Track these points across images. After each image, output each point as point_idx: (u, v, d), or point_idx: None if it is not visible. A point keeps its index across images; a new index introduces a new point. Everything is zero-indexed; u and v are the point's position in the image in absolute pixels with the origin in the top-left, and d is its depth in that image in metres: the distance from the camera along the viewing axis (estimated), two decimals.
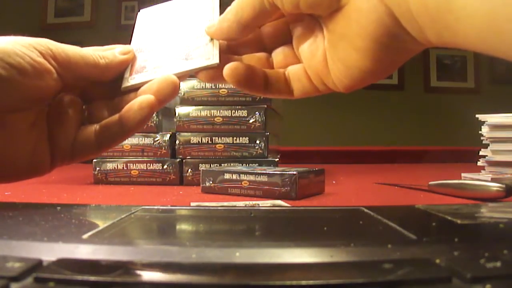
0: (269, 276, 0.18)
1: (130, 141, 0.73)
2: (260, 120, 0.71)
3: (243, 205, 0.49)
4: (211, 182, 0.61)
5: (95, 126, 0.34)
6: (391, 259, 0.20)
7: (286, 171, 0.56)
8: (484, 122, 0.74)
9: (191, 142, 0.73)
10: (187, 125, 0.73)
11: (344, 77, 0.29)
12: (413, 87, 2.81)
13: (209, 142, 0.72)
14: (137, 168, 0.72)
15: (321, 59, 0.30)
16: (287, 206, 0.49)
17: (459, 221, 0.28)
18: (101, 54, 0.34)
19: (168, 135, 0.73)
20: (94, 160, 0.73)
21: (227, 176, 0.59)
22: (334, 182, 0.76)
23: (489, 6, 0.20)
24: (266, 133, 0.71)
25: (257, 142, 0.71)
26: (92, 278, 0.17)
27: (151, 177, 0.72)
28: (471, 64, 2.84)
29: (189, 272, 0.19)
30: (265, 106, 0.72)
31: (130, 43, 0.38)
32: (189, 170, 0.72)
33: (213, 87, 0.73)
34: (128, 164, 0.72)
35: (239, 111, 0.72)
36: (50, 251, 0.21)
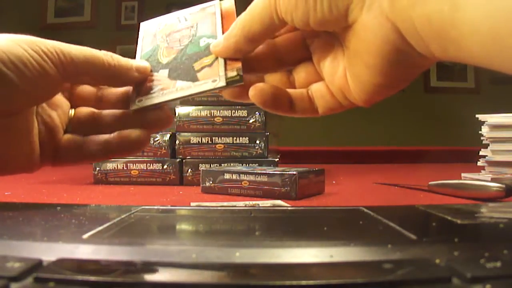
0: (269, 276, 0.18)
1: None
2: (260, 120, 0.71)
3: (243, 205, 0.49)
4: (211, 182, 0.61)
5: (81, 138, 0.35)
6: (391, 259, 0.20)
7: (286, 171, 0.56)
8: (484, 122, 0.74)
9: (191, 142, 0.73)
10: (187, 125, 0.73)
11: (361, 91, 0.30)
12: (413, 87, 2.79)
13: (209, 142, 0.72)
14: (137, 168, 0.72)
15: (342, 75, 0.31)
16: (287, 206, 0.49)
17: (459, 221, 0.28)
18: (116, 59, 0.34)
19: (168, 135, 0.73)
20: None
21: (227, 176, 0.59)
22: (334, 182, 0.76)
23: (492, 22, 0.20)
24: (266, 133, 0.71)
25: (257, 142, 0.71)
26: (92, 278, 0.17)
27: (151, 177, 0.72)
28: None
29: (189, 272, 0.19)
30: None
31: (135, 55, 0.38)
32: (189, 170, 0.72)
33: None
34: (128, 164, 0.72)
35: (239, 111, 0.72)
36: (50, 251, 0.21)
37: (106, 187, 0.70)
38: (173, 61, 0.36)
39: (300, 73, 0.33)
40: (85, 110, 0.37)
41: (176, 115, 0.73)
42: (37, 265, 0.19)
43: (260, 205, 0.49)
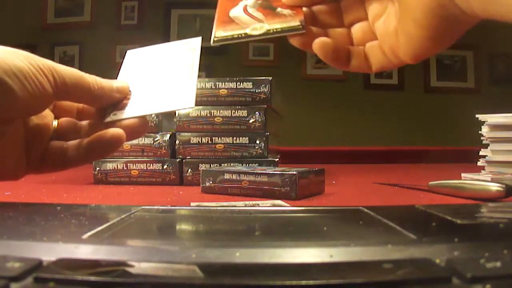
0: (269, 276, 0.18)
1: (130, 141, 0.73)
2: (260, 120, 0.71)
3: (243, 205, 0.49)
4: (211, 182, 0.61)
5: (64, 144, 0.38)
6: (391, 259, 0.20)
7: (286, 171, 0.56)
8: (484, 122, 0.74)
9: (191, 142, 0.73)
10: (187, 125, 0.73)
11: (409, 46, 0.32)
12: (413, 87, 2.81)
13: (209, 142, 0.72)
14: (137, 168, 0.72)
15: (392, 34, 0.33)
16: (287, 206, 0.49)
17: (459, 221, 0.28)
18: (99, 83, 0.37)
19: (168, 135, 0.73)
20: (93, 161, 0.73)
21: (227, 176, 0.59)
22: (334, 182, 0.76)
23: None
24: (266, 133, 0.71)
25: (257, 142, 0.71)
26: (92, 278, 0.17)
27: (151, 177, 0.72)
28: (471, 64, 2.84)
29: (189, 272, 0.19)
30: (265, 106, 0.72)
31: (117, 76, 0.42)
32: (189, 170, 0.72)
33: (213, 87, 0.73)
34: (128, 164, 0.72)
35: (239, 111, 0.72)
36: (50, 251, 0.21)
37: (106, 187, 0.70)
38: (152, 84, 0.40)
39: (358, 31, 0.37)
40: (67, 120, 0.40)
41: (176, 115, 0.73)
42: (37, 265, 0.19)
43: (260, 205, 0.49)
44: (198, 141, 0.72)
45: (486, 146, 0.75)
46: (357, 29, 0.37)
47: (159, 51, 0.44)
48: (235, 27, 0.36)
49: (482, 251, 0.20)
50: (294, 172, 0.55)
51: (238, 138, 0.72)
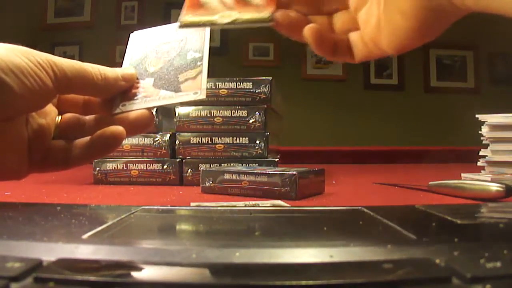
0: (269, 276, 0.18)
1: (130, 141, 0.73)
2: (260, 120, 0.71)
3: (243, 205, 0.49)
4: (211, 182, 0.61)
5: (66, 143, 0.37)
6: (391, 259, 0.20)
7: (286, 171, 0.56)
8: (484, 122, 0.74)
9: (191, 142, 0.73)
10: (187, 125, 0.73)
11: (394, 37, 0.31)
12: (413, 87, 2.81)
13: (209, 142, 0.72)
14: (137, 168, 0.72)
15: (374, 25, 0.32)
16: (287, 206, 0.49)
17: (459, 221, 0.28)
18: (103, 74, 0.36)
19: (168, 135, 0.73)
20: (94, 160, 0.73)
21: (227, 176, 0.59)
22: (334, 182, 0.76)
23: None
24: (266, 133, 0.71)
25: (257, 142, 0.71)
26: (92, 278, 0.17)
27: (151, 177, 0.72)
28: (471, 64, 2.84)
29: (189, 272, 0.19)
30: (265, 106, 0.72)
31: (122, 64, 0.40)
32: (189, 170, 0.72)
33: (213, 87, 0.73)
34: (128, 164, 0.72)
35: (239, 111, 0.72)
36: (50, 251, 0.21)
37: (106, 187, 0.70)
38: (159, 70, 0.38)
39: (339, 20, 0.36)
40: (70, 116, 0.39)
41: (176, 115, 0.73)
42: (37, 265, 0.19)
43: (260, 205, 0.49)
44: (198, 141, 0.72)
45: (486, 146, 0.75)
46: (339, 17, 0.36)
47: (165, 32, 0.41)
48: (204, 13, 0.34)
49: (482, 251, 0.20)
50: (294, 172, 0.55)
51: (238, 138, 0.72)
